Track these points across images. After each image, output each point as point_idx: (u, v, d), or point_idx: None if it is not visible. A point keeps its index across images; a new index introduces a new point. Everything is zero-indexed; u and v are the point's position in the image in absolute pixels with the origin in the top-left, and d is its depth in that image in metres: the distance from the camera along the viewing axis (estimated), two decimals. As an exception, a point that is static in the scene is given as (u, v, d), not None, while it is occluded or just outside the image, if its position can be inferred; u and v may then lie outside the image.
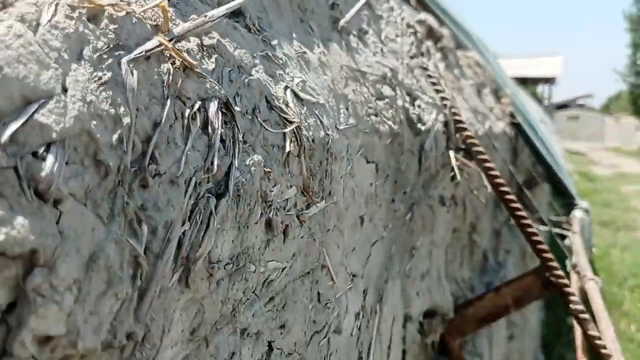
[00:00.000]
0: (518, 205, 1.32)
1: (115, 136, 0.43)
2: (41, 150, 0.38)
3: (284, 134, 0.67)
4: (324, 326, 0.80)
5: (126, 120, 0.44)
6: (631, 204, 16.23)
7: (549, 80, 27.56)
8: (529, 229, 1.26)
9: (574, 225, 2.87)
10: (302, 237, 0.71)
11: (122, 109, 0.44)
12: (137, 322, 0.44)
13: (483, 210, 2.31)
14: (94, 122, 0.42)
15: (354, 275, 0.94)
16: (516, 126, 3.42)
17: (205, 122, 0.53)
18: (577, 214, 3.14)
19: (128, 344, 0.44)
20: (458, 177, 1.27)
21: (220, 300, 0.54)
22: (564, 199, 3.54)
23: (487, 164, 1.36)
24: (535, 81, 27.31)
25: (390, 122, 1.11)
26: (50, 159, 0.38)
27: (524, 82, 20.70)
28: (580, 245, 2.58)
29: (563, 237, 3.07)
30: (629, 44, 35.03)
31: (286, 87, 0.72)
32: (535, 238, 1.24)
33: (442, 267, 1.33)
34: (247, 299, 0.60)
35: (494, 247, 2.68)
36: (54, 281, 0.38)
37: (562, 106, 38.85)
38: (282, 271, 0.67)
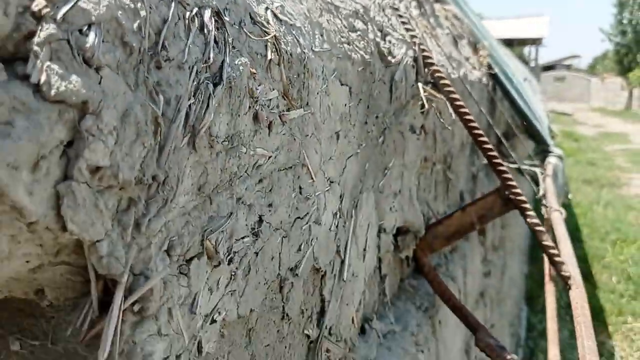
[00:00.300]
0: (480, 130, 1.48)
1: (135, 24, 0.57)
2: (84, 28, 0.52)
3: (266, 45, 0.81)
4: (306, 214, 0.96)
5: (143, 13, 0.58)
6: (615, 162, 16.55)
7: (536, 42, 27.63)
8: (490, 152, 1.41)
9: (547, 169, 3.04)
10: (284, 134, 0.86)
11: (139, 4, 0.58)
12: (158, 168, 0.59)
13: (459, 153, 2.47)
14: (120, 12, 0.56)
15: (331, 181, 1.09)
16: (494, 77, 3.57)
17: (202, 25, 0.68)
18: (551, 160, 3.32)
19: (153, 183, 0.59)
20: (426, 105, 1.42)
21: (219, 168, 0.69)
22: (539, 147, 3.72)
23: (454, 96, 1.50)
24: (522, 43, 27.36)
25: (362, 52, 1.25)
26: (91, 35, 0.52)
27: (510, 43, 20.75)
28: (551, 185, 2.76)
29: (538, 184, 3.26)
30: (614, 3, 35.12)
31: (267, 8, 0.87)
32: (496, 160, 1.38)
33: (414, 189, 1.49)
34: (241, 175, 0.76)
35: (471, 189, 2.85)
36: (100, 125, 0.52)
37: (549, 67, 38.99)
38: (268, 159, 0.82)
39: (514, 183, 1.35)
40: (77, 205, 0.51)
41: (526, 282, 7.35)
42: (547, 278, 2.26)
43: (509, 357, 1.30)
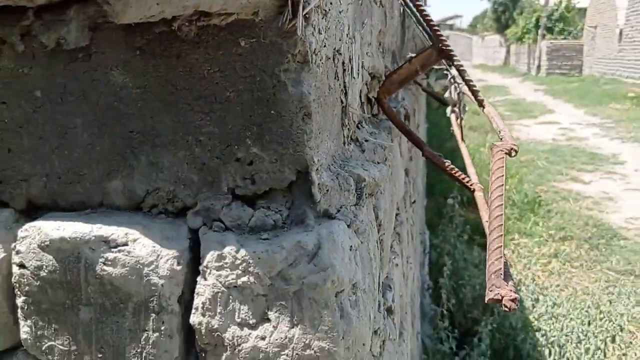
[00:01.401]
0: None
1: None
2: None
3: None
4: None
5: None
6: (498, 110, 18.06)
7: None
8: (427, 17, 1.84)
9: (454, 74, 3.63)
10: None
11: None
12: None
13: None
14: None
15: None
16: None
17: None
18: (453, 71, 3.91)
19: None
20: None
21: None
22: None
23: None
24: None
25: None
26: None
27: None
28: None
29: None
30: (492, -38, 37.61)
31: None
32: (432, 22, 1.82)
33: (376, 46, 1.91)
34: None
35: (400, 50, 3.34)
36: None
37: (433, 26, 40.84)
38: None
39: (444, 38, 1.80)
40: None
41: (426, 213, 8.17)
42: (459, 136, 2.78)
43: (447, 162, 1.77)
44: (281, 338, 0.88)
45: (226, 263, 0.88)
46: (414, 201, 3.40)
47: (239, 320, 0.89)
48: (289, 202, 0.94)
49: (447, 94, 3.59)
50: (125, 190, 0.96)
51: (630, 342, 4.15)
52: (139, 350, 0.91)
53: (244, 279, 0.88)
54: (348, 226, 0.96)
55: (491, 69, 33.37)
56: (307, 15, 0.87)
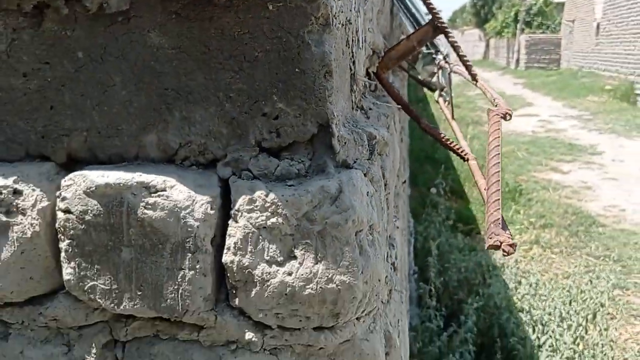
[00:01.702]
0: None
1: None
2: None
3: None
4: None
5: None
6: (477, 104, 18.36)
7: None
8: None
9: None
10: None
11: None
12: None
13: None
14: None
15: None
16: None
17: None
18: (439, 56, 4.02)
19: None
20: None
21: None
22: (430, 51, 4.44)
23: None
24: None
25: None
26: None
27: None
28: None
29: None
30: (471, -43, 37.94)
31: None
32: (429, 1, 1.93)
33: (376, 23, 2.01)
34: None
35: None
36: None
37: (413, 20, 41.01)
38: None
39: (441, 16, 1.91)
40: None
41: (410, 201, 8.33)
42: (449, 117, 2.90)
43: (442, 134, 1.88)
44: (306, 273, 0.98)
45: (256, 206, 0.98)
46: (405, 181, 3.52)
47: (267, 258, 0.99)
48: (310, 154, 1.05)
49: (434, 79, 3.72)
50: (160, 143, 1.05)
51: (611, 318, 4.33)
52: (175, 287, 1.01)
53: (273, 220, 0.98)
54: (364, 175, 1.07)
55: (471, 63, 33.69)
56: (328, -19, 0.97)
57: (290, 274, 0.99)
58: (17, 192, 1.02)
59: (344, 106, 1.17)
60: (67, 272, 1.03)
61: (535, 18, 30.83)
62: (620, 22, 17.85)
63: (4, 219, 1.02)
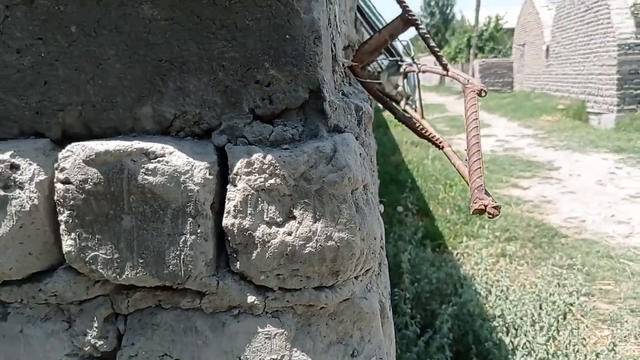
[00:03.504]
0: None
1: None
2: None
3: None
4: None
5: None
6: (437, 127, 18.70)
7: (355, 22, 29.63)
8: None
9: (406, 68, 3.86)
10: None
11: None
12: None
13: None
14: None
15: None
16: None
17: None
18: (404, 66, 4.15)
19: None
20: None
21: None
22: (394, 59, 4.57)
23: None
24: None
25: None
26: None
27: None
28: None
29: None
30: (422, -14, 39.23)
31: None
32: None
33: (350, 19, 2.09)
34: None
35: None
36: None
37: (369, 49, 41.80)
38: None
39: (410, 8, 2.00)
40: None
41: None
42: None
43: (417, 123, 1.95)
44: (305, 232, 1.02)
45: (254, 168, 1.01)
46: (374, 171, 3.59)
47: (267, 219, 1.02)
48: (303, 119, 1.09)
49: (400, 88, 3.82)
50: (155, 115, 1.08)
51: (582, 316, 4.44)
52: (177, 253, 1.03)
53: (271, 181, 1.01)
54: (356, 138, 1.12)
55: (428, 89, 34.57)
56: (316, -49, 1.03)
57: (290, 233, 1.02)
58: (14, 167, 1.03)
59: (330, 78, 1.22)
60: (68, 243, 1.04)
61: (487, 43, 31.92)
62: (568, 44, 18.65)
63: (2, 193, 1.02)
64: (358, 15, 4.46)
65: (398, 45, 4.59)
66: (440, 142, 1.93)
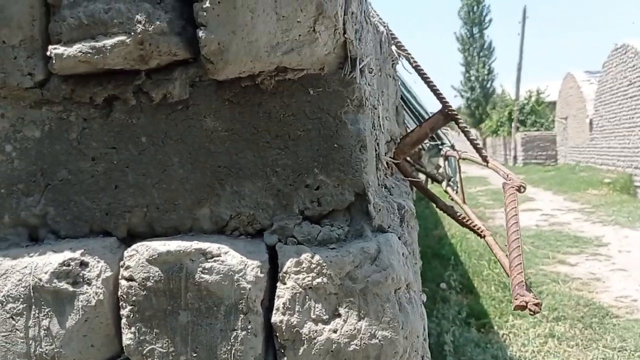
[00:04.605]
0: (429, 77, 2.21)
1: None
2: None
3: None
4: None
5: None
6: (479, 200, 18.56)
7: (396, 97, 30.15)
8: (435, 87, 2.15)
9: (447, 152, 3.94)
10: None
11: None
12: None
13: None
14: None
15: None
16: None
17: None
18: (444, 148, 4.24)
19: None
20: (398, 58, 2.13)
21: None
22: (435, 144, 4.65)
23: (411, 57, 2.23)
24: (384, 98, 29.65)
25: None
26: None
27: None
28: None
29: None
30: (462, 63, 39.93)
31: None
32: (438, 91, 2.13)
33: (392, 114, 2.19)
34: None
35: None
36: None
37: (410, 122, 42.36)
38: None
39: (450, 104, 2.10)
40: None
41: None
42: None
43: (458, 212, 2.00)
44: (350, 330, 1.07)
45: (303, 267, 1.08)
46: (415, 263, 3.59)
47: (314, 316, 1.08)
48: (348, 220, 1.16)
49: (441, 170, 3.89)
50: (212, 215, 1.17)
51: (636, 407, 4.22)
52: (228, 347, 1.09)
53: (319, 280, 1.08)
54: (399, 238, 1.18)
55: (471, 162, 34.49)
56: (362, 69, 1.14)
57: (335, 331, 1.07)
58: (83, 264, 1.12)
59: (374, 180, 1.30)
60: (128, 337, 1.11)
61: (529, 117, 31.96)
62: (612, 118, 18.53)
63: (71, 289, 1.11)
64: (401, 102, 4.61)
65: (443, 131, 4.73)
66: (482, 231, 1.97)
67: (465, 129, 2.02)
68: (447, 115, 2.11)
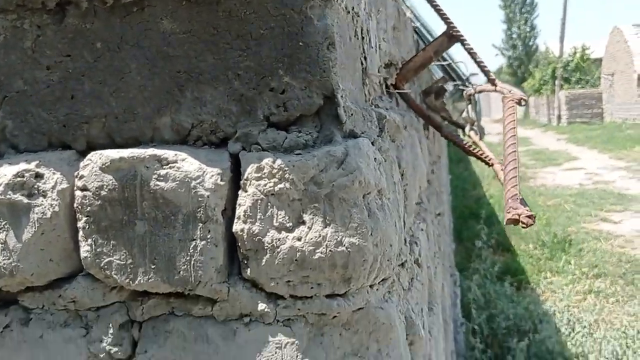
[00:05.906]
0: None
1: None
2: None
3: None
4: None
5: None
6: (521, 161, 18.09)
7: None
8: (442, 11, 2.01)
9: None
10: None
11: None
12: None
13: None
14: None
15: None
16: (415, 32, 4.29)
17: None
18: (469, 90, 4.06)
19: None
20: None
21: None
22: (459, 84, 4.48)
23: None
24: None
25: None
26: None
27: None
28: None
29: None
30: (503, 20, 38.66)
31: None
32: (443, 13, 1.98)
33: (390, 36, 2.07)
34: None
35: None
36: None
37: (450, 84, 41.61)
38: None
39: (453, 24, 1.96)
40: None
41: (455, 256, 8.16)
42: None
43: (465, 141, 1.88)
44: (315, 237, 0.99)
45: (264, 173, 1.01)
46: (439, 213, 3.48)
47: (277, 224, 1.01)
48: (317, 126, 1.08)
49: (464, 114, 3.73)
50: (173, 124, 1.10)
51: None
52: (187, 258, 1.03)
53: (281, 185, 1.00)
54: (372, 143, 1.09)
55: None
56: (327, -42, 1.03)
57: (299, 239, 1.00)
58: (38, 176, 1.08)
59: (353, 89, 1.21)
60: (84, 249, 1.07)
61: (573, 74, 30.79)
62: (661, 71, 17.67)
63: (26, 201, 1.07)
64: (417, 37, 4.44)
65: (462, 67, 4.52)
66: (490, 160, 1.85)
67: (472, 51, 1.89)
68: (451, 37, 1.98)
